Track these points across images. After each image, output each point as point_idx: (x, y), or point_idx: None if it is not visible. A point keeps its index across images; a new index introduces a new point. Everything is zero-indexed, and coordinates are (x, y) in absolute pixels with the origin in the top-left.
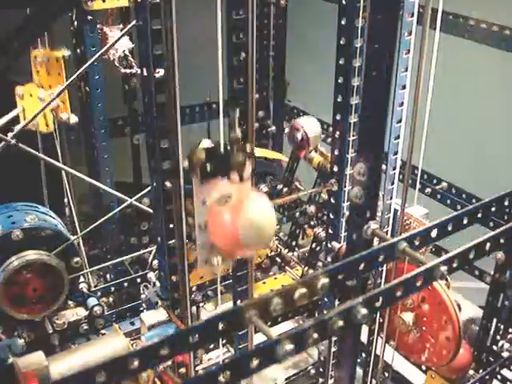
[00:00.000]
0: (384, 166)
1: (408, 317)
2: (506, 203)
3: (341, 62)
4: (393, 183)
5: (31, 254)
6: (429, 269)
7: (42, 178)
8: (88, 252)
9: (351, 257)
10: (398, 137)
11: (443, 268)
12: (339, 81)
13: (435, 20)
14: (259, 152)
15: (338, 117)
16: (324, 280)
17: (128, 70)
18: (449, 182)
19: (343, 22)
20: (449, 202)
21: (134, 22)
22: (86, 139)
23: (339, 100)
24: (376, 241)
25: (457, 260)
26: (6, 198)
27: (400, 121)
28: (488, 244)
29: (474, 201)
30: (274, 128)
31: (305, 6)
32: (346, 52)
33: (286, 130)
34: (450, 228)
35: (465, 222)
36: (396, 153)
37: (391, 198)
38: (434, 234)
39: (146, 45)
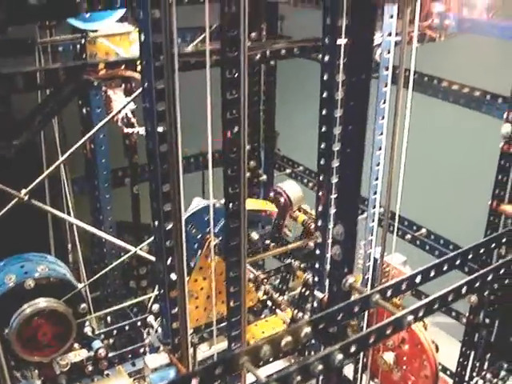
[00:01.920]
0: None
1: (389, 356)
2: (470, 256)
3: (323, 129)
4: (372, 234)
5: (42, 302)
6: (397, 319)
7: (49, 227)
8: (89, 294)
9: (330, 308)
10: (375, 192)
11: (410, 317)
12: (322, 146)
13: (412, 81)
14: (250, 203)
15: (321, 177)
16: (307, 329)
17: (130, 130)
18: (428, 228)
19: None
20: (427, 247)
21: (139, 91)
22: (90, 191)
23: (322, 163)
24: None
25: (423, 310)
26: (12, 244)
27: (377, 178)
28: (451, 295)
29: (450, 247)
30: (264, 177)
31: (293, 64)
32: (328, 121)
33: (271, 194)
34: (418, 280)
35: (432, 274)
36: (374, 206)
37: (371, 247)
38: (404, 286)
39: (151, 103)
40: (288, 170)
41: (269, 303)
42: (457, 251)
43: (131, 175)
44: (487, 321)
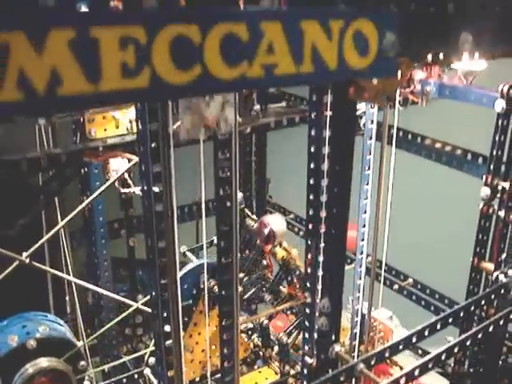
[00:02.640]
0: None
1: None
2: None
3: (311, 197)
4: (359, 291)
5: (43, 361)
6: None
7: (49, 285)
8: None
9: (317, 380)
10: (362, 252)
11: None
12: (310, 213)
13: (396, 140)
14: None
15: (310, 241)
16: None
17: (127, 190)
18: (415, 278)
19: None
20: (414, 297)
21: (134, 161)
22: (87, 245)
23: (310, 227)
24: None
25: (404, 378)
26: (13, 301)
27: (363, 239)
28: (431, 363)
29: (436, 296)
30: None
31: None
32: (315, 190)
33: (255, 226)
34: (400, 347)
35: (414, 340)
36: (361, 265)
37: (358, 303)
38: (387, 353)
39: (148, 185)
40: None
41: (261, 353)
42: (436, 317)
43: (127, 227)
44: (472, 370)
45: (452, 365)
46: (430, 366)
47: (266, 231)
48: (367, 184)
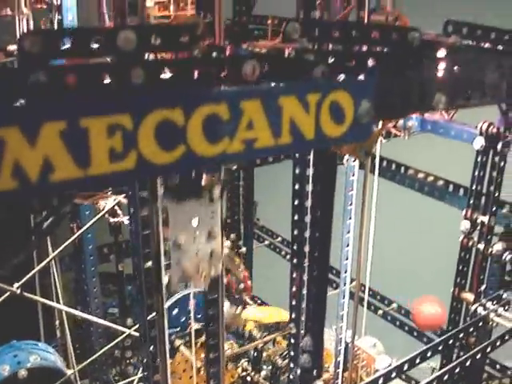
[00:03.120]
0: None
1: None
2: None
3: (295, 233)
4: (342, 321)
5: None
6: None
7: (39, 311)
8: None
9: None
10: (345, 283)
11: None
12: (294, 248)
13: (381, 170)
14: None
15: (294, 275)
16: None
17: (116, 219)
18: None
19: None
20: (398, 323)
21: (122, 196)
22: (76, 272)
23: (295, 262)
24: None
25: None
26: (4, 328)
27: (346, 271)
28: None
29: None
30: (244, 249)
31: None
32: (300, 226)
33: None
34: (380, 382)
35: (393, 375)
36: (344, 297)
37: (341, 333)
38: None
39: (137, 229)
40: (267, 242)
41: (248, 379)
42: (416, 352)
43: (116, 252)
44: None
45: None
46: None
47: None
48: (350, 218)
